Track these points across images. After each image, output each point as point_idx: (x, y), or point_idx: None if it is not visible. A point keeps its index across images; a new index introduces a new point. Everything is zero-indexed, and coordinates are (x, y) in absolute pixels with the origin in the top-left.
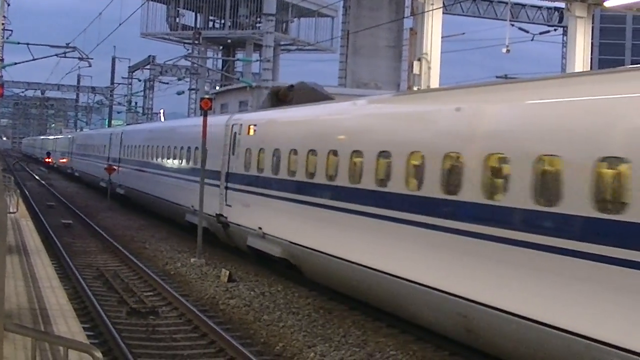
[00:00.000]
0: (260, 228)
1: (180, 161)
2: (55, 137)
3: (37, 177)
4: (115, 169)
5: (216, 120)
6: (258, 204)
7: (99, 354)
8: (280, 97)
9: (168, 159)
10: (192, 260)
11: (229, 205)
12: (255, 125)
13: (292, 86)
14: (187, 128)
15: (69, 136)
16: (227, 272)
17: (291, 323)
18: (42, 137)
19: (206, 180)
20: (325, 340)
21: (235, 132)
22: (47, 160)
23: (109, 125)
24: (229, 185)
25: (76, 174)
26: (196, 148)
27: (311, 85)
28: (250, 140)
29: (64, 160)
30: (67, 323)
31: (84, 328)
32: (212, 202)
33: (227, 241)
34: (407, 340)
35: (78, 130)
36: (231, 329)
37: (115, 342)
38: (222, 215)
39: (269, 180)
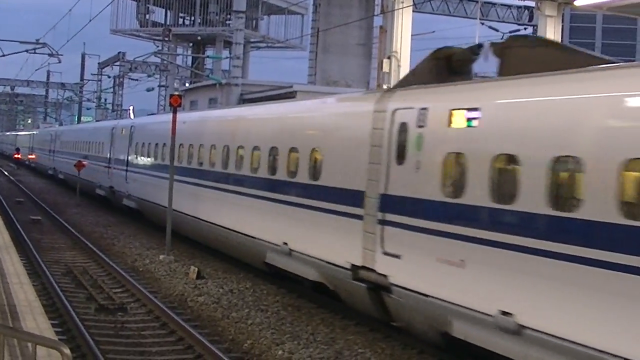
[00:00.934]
0: (507, 313)
1: (256, 170)
2: (32, 132)
3: (6, 173)
4: (84, 165)
5: (347, 106)
6: (501, 265)
7: (67, 351)
8: (456, 65)
9: (227, 166)
10: (161, 257)
11: (394, 256)
12: (475, 110)
13: (479, 46)
14: (266, 120)
15: (51, 132)
16: (196, 269)
17: (259, 320)
18: (16, 132)
19: (325, 206)
20: (294, 338)
21: (405, 124)
22: (16, 156)
23: (79, 121)
24: (391, 218)
25: (60, 176)
26: (292, 150)
27: (540, 40)
28: (460, 137)
29: (32, 156)
30: (35, 319)
31: (52, 324)
32: (333, 241)
33: (373, 313)
34: (376, 338)
35: (57, 125)
36: (199, 325)
37: (83, 338)
38: (370, 269)
39: (547, 221)
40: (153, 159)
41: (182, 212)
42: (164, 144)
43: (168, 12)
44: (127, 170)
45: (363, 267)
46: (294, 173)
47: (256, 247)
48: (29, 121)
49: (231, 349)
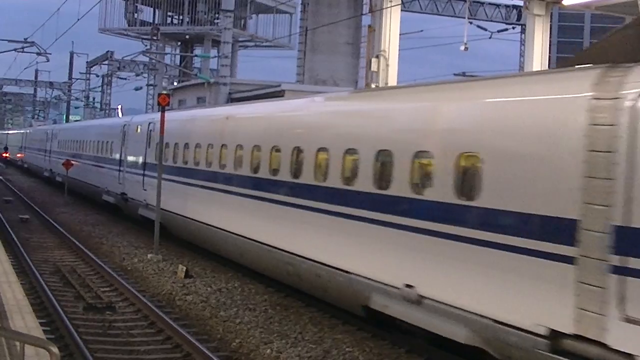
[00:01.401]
0: None
1: (350, 181)
2: (24, 131)
3: None
4: (72, 164)
5: (529, 90)
6: None
7: (55, 350)
8: None
9: (299, 175)
10: (149, 256)
11: None
12: None
13: None
14: (372, 113)
15: (47, 130)
16: (184, 268)
17: (248, 319)
18: (7, 131)
19: (491, 238)
20: (282, 337)
21: None
22: (4, 155)
23: (67, 120)
24: None
25: (58, 178)
26: (420, 155)
27: None
28: None
29: (20, 155)
30: (23, 318)
31: (40, 323)
32: (507, 290)
33: None
34: (364, 337)
35: (52, 123)
36: (188, 324)
37: (71, 337)
38: (594, 341)
39: None
40: (183, 163)
41: (241, 235)
42: (197, 144)
43: (156, 11)
44: (144, 175)
45: (577, 337)
46: (423, 186)
47: (352, 285)
48: (21, 119)
49: (219, 348)
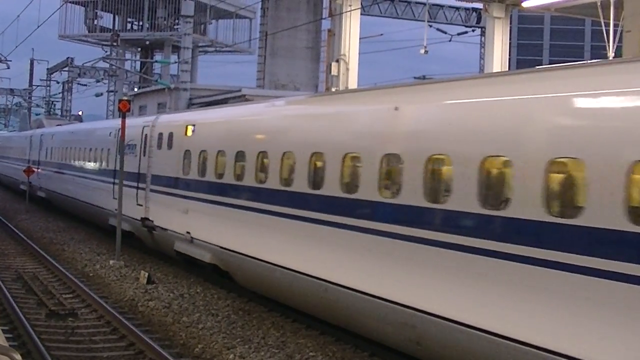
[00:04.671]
0: None
1: None
2: (30, 133)
3: None
4: (34, 171)
5: None
6: None
7: (18, 356)
8: None
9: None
10: (111, 262)
11: None
12: None
13: None
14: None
15: (112, 129)
16: (146, 274)
17: (210, 325)
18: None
19: None
20: (245, 342)
21: None
22: None
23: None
24: None
25: (176, 250)
26: None
27: None
28: None
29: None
30: None
31: (3, 330)
32: None
33: None
34: (327, 341)
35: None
36: (150, 330)
37: (34, 344)
38: None
39: None
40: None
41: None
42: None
43: (116, 17)
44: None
45: None
46: None
47: None
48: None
49: (182, 354)
